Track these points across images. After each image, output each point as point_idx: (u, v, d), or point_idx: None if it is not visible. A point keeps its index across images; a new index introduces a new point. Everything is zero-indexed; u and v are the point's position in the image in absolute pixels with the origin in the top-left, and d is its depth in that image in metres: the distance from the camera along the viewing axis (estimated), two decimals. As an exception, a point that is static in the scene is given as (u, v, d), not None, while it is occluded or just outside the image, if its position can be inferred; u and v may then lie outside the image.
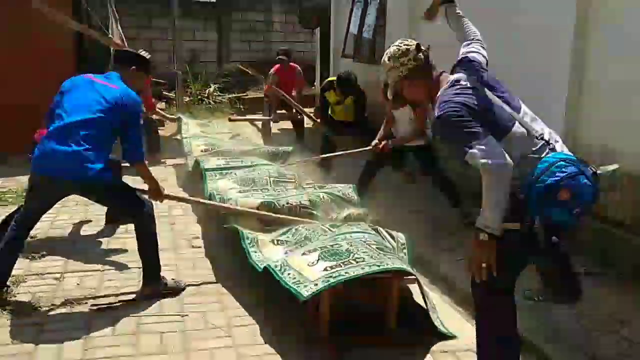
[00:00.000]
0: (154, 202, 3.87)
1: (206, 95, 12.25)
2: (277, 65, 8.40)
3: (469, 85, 2.47)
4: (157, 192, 3.87)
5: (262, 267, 3.47)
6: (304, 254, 3.40)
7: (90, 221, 5.16)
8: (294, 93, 8.29)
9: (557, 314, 3.52)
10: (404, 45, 2.63)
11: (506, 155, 2.31)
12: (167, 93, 11.38)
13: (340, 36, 9.79)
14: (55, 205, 3.82)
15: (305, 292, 2.96)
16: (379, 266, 3.10)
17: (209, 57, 14.07)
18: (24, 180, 6.22)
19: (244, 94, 12.45)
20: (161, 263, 3.81)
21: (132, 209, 3.73)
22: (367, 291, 3.27)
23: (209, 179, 5.00)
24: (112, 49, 7.46)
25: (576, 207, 2.29)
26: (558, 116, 4.64)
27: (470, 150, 2.31)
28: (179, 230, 5.05)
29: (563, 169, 2.28)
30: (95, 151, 3.44)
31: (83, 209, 5.41)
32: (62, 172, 3.42)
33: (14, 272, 3.69)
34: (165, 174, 6.72)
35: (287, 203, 4.28)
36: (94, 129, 3.47)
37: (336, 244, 3.44)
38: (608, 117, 4.31)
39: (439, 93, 2.54)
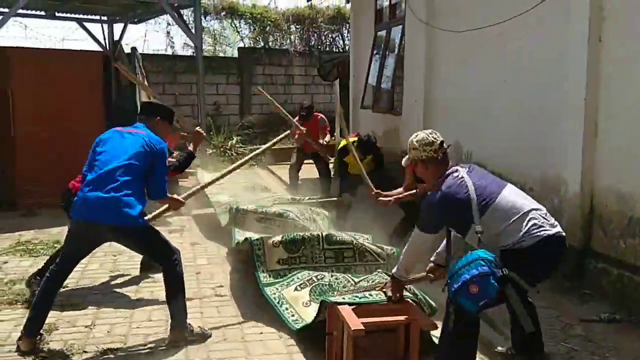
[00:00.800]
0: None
1: (228, 147, 12.55)
2: (298, 117, 8.38)
3: (461, 175, 3.17)
4: (177, 202, 4.17)
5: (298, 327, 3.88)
6: (296, 289, 4.19)
7: (119, 271, 5.32)
8: (320, 141, 8.22)
9: (577, 357, 3.54)
10: (432, 137, 3.29)
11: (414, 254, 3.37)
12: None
13: (359, 87, 10.06)
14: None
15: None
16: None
17: (231, 110, 14.50)
18: (54, 231, 6.49)
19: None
20: (188, 311, 3.92)
21: (163, 255, 3.87)
22: (389, 337, 3.33)
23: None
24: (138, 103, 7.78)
25: (482, 300, 2.83)
26: (575, 159, 4.75)
27: (415, 230, 3.29)
28: (203, 279, 5.17)
29: (479, 268, 2.84)
30: (132, 197, 3.65)
31: (112, 259, 5.58)
32: (101, 218, 3.62)
33: (47, 320, 3.84)
34: (189, 224, 6.89)
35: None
36: (129, 175, 3.68)
37: (321, 275, 4.26)
38: (622, 162, 4.39)
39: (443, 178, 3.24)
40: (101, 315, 4.32)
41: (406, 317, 3.34)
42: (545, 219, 3.11)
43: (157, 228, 4.37)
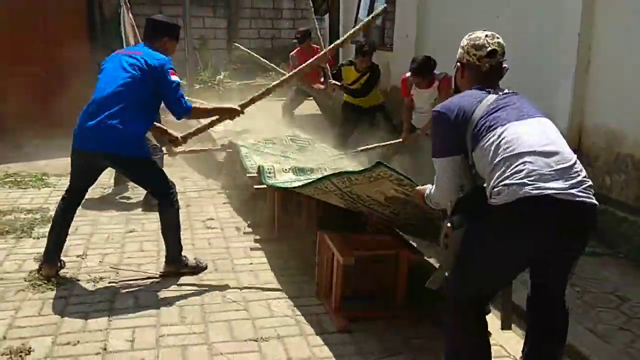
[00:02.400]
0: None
1: (216, 82, 12.37)
2: (298, 48, 8.13)
3: (485, 92, 2.45)
4: (233, 110, 4.15)
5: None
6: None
7: (110, 203, 5.34)
8: (321, 79, 7.83)
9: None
10: (486, 40, 2.50)
11: (450, 182, 2.39)
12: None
13: (350, 22, 9.86)
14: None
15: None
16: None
17: (218, 44, 14.19)
18: (41, 164, 6.46)
19: (253, 81, 12.56)
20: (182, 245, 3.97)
21: (160, 188, 3.83)
22: (377, 267, 3.41)
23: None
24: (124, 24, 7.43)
25: None
26: (565, 100, 4.75)
27: (434, 159, 2.44)
28: (194, 212, 5.22)
29: None
30: (129, 124, 3.55)
31: (100, 192, 5.58)
32: (99, 146, 3.57)
33: (38, 251, 3.90)
34: (177, 161, 6.87)
35: None
36: (124, 101, 3.56)
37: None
38: (613, 101, 4.41)
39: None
40: (92, 246, 4.37)
41: (395, 249, 3.42)
42: (558, 170, 2.19)
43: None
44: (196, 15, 13.16)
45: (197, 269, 3.94)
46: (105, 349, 2.98)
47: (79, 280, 3.77)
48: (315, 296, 3.59)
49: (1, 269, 3.91)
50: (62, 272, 3.84)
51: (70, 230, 4.52)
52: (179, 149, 4.78)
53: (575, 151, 4.69)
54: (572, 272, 2.48)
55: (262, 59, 7.80)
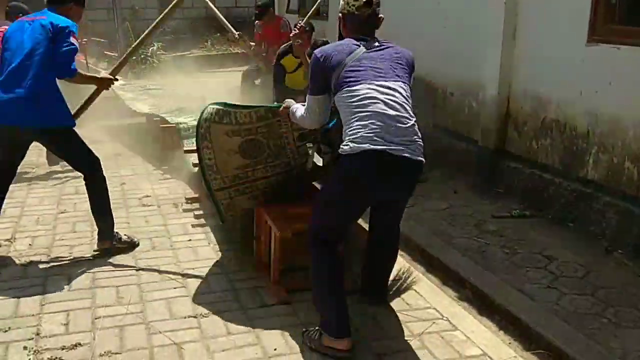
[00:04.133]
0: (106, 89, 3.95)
1: (149, 54, 12.00)
2: (261, 21, 7.74)
3: (354, 41, 2.79)
4: (104, 80, 3.89)
5: None
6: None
7: (37, 184, 5.15)
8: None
9: (489, 253, 3.81)
10: None
11: (316, 115, 2.90)
12: (108, 52, 11.10)
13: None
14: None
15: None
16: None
17: (151, 14, 13.70)
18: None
19: (189, 53, 12.27)
20: (115, 221, 3.88)
21: (86, 162, 3.72)
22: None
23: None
24: None
25: None
26: (494, 66, 4.86)
27: (308, 96, 2.87)
28: (129, 189, 5.10)
29: None
30: (47, 95, 3.44)
31: (28, 173, 5.37)
32: (18, 119, 3.43)
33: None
34: (107, 136, 6.67)
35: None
36: (36, 68, 3.43)
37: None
38: (540, 67, 4.54)
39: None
40: (21, 229, 4.22)
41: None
42: (396, 130, 2.61)
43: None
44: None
45: (132, 244, 3.88)
46: (38, 334, 2.90)
47: (7, 265, 3.64)
48: (255, 270, 3.60)
49: None
50: (-10, 257, 3.70)
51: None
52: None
53: (504, 118, 4.91)
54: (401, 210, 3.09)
55: (222, 17, 7.32)
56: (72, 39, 3.53)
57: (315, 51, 2.80)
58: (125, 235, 3.94)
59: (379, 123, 2.60)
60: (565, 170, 4.38)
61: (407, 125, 2.66)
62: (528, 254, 3.81)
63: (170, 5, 4.38)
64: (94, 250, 3.80)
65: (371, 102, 2.63)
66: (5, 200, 3.87)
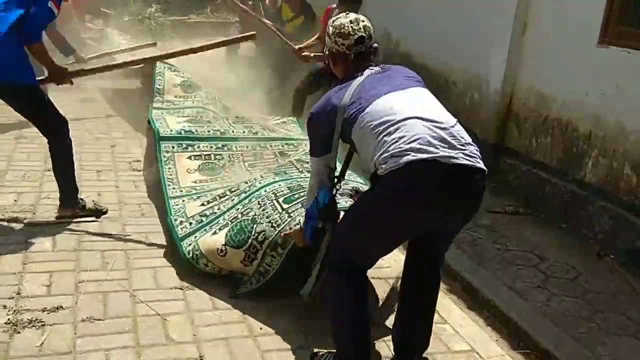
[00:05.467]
0: (62, 86, 3.72)
1: (147, 15, 11.75)
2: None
3: (353, 78, 2.39)
4: (60, 74, 3.67)
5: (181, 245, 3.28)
6: (214, 233, 3.18)
7: (25, 138, 5.01)
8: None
9: (481, 247, 3.78)
10: (351, 27, 2.40)
11: (324, 175, 2.43)
12: (105, 10, 10.83)
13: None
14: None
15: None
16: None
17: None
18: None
19: (187, 18, 12.03)
20: (103, 184, 3.78)
21: (51, 123, 3.56)
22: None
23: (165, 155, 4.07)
24: None
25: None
26: (500, 61, 4.79)
27: (311, 158, 2.46)
28: (119, 153, 4.99)
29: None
30: (15, 52, 3.30)
31: (16, 128, 5.22)
32: None
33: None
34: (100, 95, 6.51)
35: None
36: (6, 27, 3.27)
37: (247, 210, 3.19)
38: (546, 65, 4.49)
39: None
40: (7, 183, 4.11)
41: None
42: (437, 137, 2.13)
43: (66, 95, 4.08)
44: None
45: (96, 212, 3.73)
46: (19, 294, 2.83)
47: (-10, 220, 3.55)
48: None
49: None
50: (-28, 210, 3.60)
51: (-19, 166, 4.25)
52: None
53: (505, 113, 4.86)
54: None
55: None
56: (50, 4, 3.34)
57: (311, 110, 2.41)
58: (92, 201, 3.79)
59: (416, 128, 2.14)
60: (562, 170, 4.35)
61: (450, 125, 2.21)
62: (520, 251, 3.79)
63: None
64: (56, 218, 3.64)
65: (397, 110, 2.19)
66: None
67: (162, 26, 10.99)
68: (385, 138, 2.15)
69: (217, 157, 4.13)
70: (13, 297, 2.79)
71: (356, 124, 2.24)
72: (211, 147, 4.21)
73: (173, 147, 4.10)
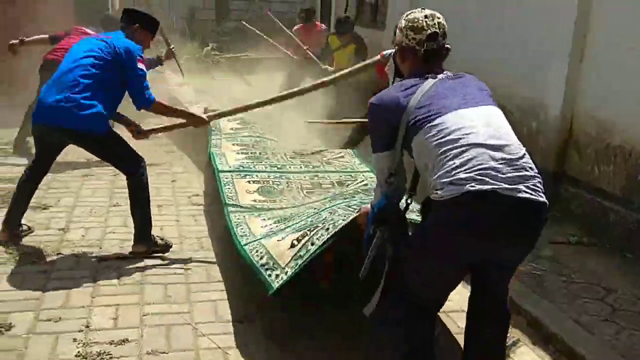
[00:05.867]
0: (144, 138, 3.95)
1: (204, 54, 12.16)
2: (301, 25, 7.90)
3: (424, 78, 2.27)
4: (199, 120, 3.97)
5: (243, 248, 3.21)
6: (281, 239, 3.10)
7: (92, 176, 5.24)
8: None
9: (545, 279, 3.67)
10: (425, 22, 2.30)
11: (385, 175, 2.31)
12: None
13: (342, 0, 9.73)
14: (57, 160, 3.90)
15: (276, 282, 2.77)
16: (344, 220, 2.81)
17: (208, 14, 13.95)
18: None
19: (244, 54, 12.37)
20: (164, 219, 3.91)
21: (127, 164, 3.74)
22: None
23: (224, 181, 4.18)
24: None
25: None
26: (558, 87, 4.71)
27: (373, 155, 2.35)
28: (179, 187, 5.14)
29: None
30: (91, 100, 3.49)
31: (84, 166, 5.47)
32: (57, 120, 3.50)
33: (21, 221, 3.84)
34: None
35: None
36: (87, 78, 3.51)
37: (316, 215, 3.22)
38: (607, 91, 4.38)
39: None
40: (75, 219, 4.29)
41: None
42: (501, 168, 2.03)
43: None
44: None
45: (165, 247, 3.84)
46: (88, 327, 2.93)
47: (60, 255, 3.70)
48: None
49: (-17, 240, 3.82)
50: (43, 245, 3.79)
51: (52, 202, 4.49)
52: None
53: (566, 140, 4.75)
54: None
55: (265, 36, 7.63)
56: (138, 65, 3.59)
57: (371, 100, 2.30)
58: (160, 237, 3.89)
59: (481, 157, 2.04)
60: (626, 198, 4.20)
61: (517, 156, 2.09)
62: (585, 283, 3.65)
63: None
64: (129, 253, 3.76)
65: (465, 132, 2.08)
66: (62, 190, 3.93)
67: (219, 64, 11.36)
68: (446, 161, 2.07)
69: (274, 183, 4.23)
70: (82, 330, 2.90)
71: (420, 133, 2.14)
72: (269, 176, 4.33)
73: (232, 175, 4.24)
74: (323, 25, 8.26)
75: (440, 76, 2.28)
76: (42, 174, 3.82)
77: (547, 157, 4.86)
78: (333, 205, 3.38)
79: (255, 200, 3.92)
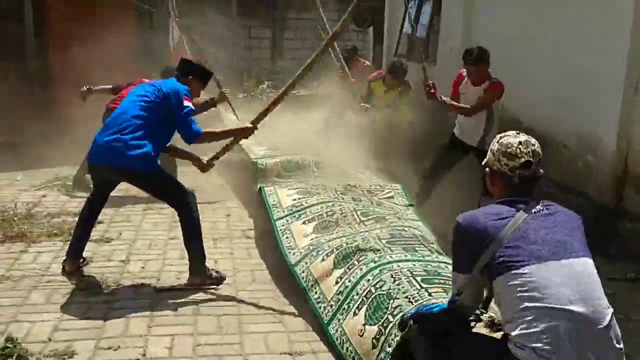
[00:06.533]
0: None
1: (259, 92, 12.51)
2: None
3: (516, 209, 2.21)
4: (244, 129, 4.17)
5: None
6: (355, 314, 3.12)
7: (152, 210, 5.46)
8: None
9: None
10: (519, 149, 2.25)
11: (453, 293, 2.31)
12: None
13: (394, 35, 9.86)
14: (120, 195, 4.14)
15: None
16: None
17: (263, 54, 14.38)
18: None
19: (297, 92, 12.63)
20: (219, 252, 4.04)
21: (176, 199, 3.91)
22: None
23: (281, 229, 4.35)
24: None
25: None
26: (613, 116, 4.65)
27: (453, 273, 2.33)
28: (233, 221, 5.30)
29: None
30: (141, 140, 3.72)
31: (145, 196, 5.71)
32: (109, 160, 3.75)
33: (84, 255, 4.06)
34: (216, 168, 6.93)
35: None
36: (138, 119, 3.76)
37: (379, 282, 3.17)
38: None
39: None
40: (135, 251, 4.48)
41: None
42: (586, 337, 1.99)
43: (182, 169, 4.48)
44: (242, 25, 13.39)
45: (219, 280, 3.95)
46: (144, 355, 3.06)
47: (121, 285, 3.88)
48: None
49: (49, 271, 4.05)
50: (105, 276, 3.97)
51: (114, 235, 4.71)
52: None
53: (622, 175, 4.64)
54: None
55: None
56: (184, 102, 3.83)
57: (458, 219, 2.24)
58: (214, 270, 4.01)
59: (559, 328, 1.97)
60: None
61: (602, 326, 2.02)
62: (644, 322, 3.54)
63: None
64: (185, 285, 3.89)
65: (547, 293, 2.01)
66: (124, 224, 4.13)
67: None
68: (520, 318, 2.03)
69: (328, 214, 4.32)
70: (139, 359, 3.02)
71: (503, 276, 2.09)
72: (322, 207, 4.44)
73: (287, 220, 4.39)
74: (366, 61, 8.46)
75: (533, 210, 2.21)
76: (99, 207, 4.08)
77: (603, 192, 4.76)
78: (395, 262, 3.34)
79: (312, 239, 4.05)
